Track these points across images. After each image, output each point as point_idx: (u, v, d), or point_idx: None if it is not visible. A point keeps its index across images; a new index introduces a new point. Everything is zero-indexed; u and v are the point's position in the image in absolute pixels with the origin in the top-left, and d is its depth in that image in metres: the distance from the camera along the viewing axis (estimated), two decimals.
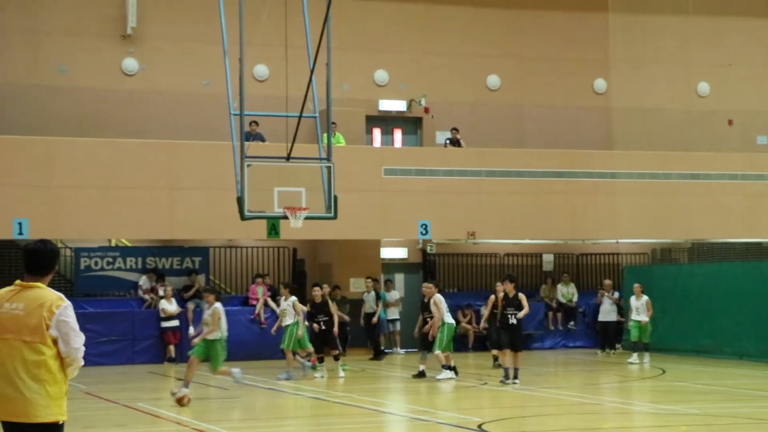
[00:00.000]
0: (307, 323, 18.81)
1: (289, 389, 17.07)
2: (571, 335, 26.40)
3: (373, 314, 23.98)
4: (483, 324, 20.33)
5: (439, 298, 18.17)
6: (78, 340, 6.07)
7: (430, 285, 18.55)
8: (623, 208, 25.41)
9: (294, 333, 18.46)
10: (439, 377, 17.87)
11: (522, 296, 17.34)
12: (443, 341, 18.02)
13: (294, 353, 18.73)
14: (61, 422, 6.06)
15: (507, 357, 17.05)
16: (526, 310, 17.22)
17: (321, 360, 18.71)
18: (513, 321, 17.10)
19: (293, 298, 18.72)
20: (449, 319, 18.11)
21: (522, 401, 15.44)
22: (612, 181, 25.53)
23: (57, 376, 6.00)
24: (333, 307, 18.95)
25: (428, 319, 18.47)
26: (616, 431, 12.55)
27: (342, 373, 18.65)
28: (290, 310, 18.79)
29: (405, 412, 14.32)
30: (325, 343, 18.86)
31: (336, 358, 18.83)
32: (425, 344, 18.62)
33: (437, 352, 17.96)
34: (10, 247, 23.35)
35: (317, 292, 18.90)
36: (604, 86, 28.71)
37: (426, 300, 18.64)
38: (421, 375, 18.26)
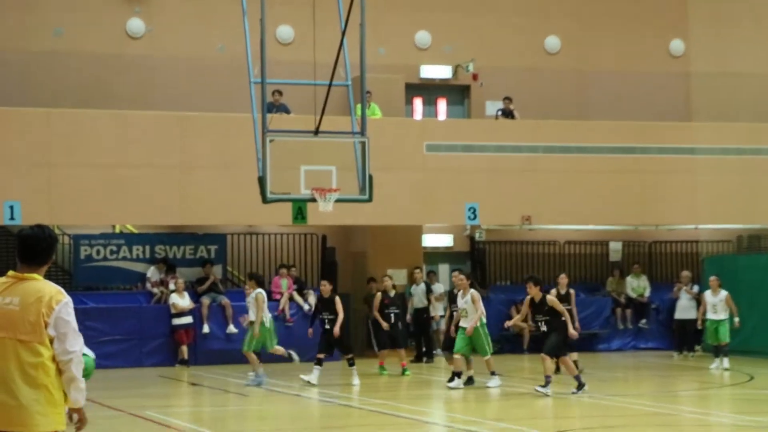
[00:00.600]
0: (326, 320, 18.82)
1: (318, 396, 17.14)
2: (642, 335, 26.28)
3: (424, 310, 23.93)
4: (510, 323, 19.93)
5: (476, 293, 18.02)
6: (76, 343, 6.09)
7: (462, 276, 18.41)
8: (703, 189, 25.19)
9: (251, 333, 18.49)
10: (489, 384, 17.83)
11: (552, 300, 17.03)
12: (489, 343, 17.97)
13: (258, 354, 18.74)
14: None
15: (546, 363, 16.91)
16: (565, 316, 16.94)
17: (319, 362, 18.59)
18: (544, 329, 17.00)
19: (257, 290, 18.69)
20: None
21: (585, 410, 15.39)
22: (690, 158, 25.32)
23: (56, 381, 6.03)
24: (340, 305, 18.85)
25: (454, 313, 18.47)
26: None
27: (356, 381, 18.55)
28: (253, 305, 19.04)
29: (450, 422, 14.32)
30: (330, 344, 18.75)
31: (350, 363, 18.77)
32: (449, 343, 18.50)
33: (488, 357, 17.96)
34: (1, 235, 23.61)
35: (325, 287, 18.88)
36: (682, 48, 28.44)
37: (456, 291, 18.62)
38: (455, 378, 18.00)
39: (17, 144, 21.89)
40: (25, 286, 6.08)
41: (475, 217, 24.19)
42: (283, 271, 24.03)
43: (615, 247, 27.38)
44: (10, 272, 6.20)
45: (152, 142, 22.58)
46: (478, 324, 17.95)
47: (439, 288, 25.34)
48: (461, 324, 18.02)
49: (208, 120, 23.18)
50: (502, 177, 24.39)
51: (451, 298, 19.12)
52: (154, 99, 25.00)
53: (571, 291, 19.85)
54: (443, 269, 26.49)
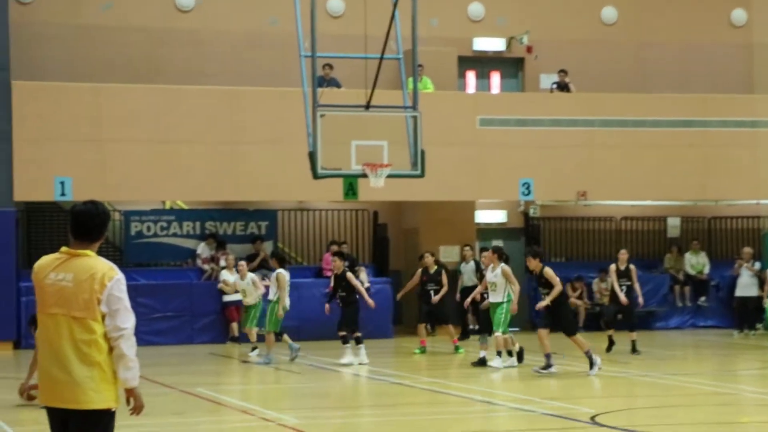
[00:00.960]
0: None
1: (368, 374, 17.19)
2: (701, 313, 26.08)
3: (472, 288, 23.89)
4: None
5: (507, 268, 17.55)
6: (128, 320, 6.13)
7: (486, 253, 18.06)
8: (766, 163, 24.87)
9: (274, 312, 18.54)
10: (491, 364, 17.35)
11: (549, 272, 16.77)
12: (506, 321, 17.47)
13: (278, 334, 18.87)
14: (113, 410, 6.15)
15: (544, 341, 16.62)
16: (557, 289, 16.70)
17: (344, 340, 18.50)
18: (547, 303, 16.74)
19: (278, 270, 18.70)
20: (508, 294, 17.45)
21: (642, 390, 15.31)
22: (752, 131, 25.01)
23: (109, 359, 6.08)
24: (356, 282, 18.71)
25: (485, 296, 18.13)
26: (757, 426, 12.36)
27: (365, 360, 18.23)
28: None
29: (504, 401, 14.31)
30: (344, 323, 18.52)
31: (358, 341, 18.59)
32: (485, 325, 18.23)
33: (498, 333, 17.39)
34: (52, 211, 23.88)
35: (336, 263, 18.66)
36: (744, 18, 28.03)
37: (484, 269, 18.46)
38: (482, 363, 17.82)
39: (67, 120, 22.10)
40: (78, 262, 6.11)
41: (529, 193, 24.08)
42: (334, 247, 24.05)
43: (673, 223, 27.15)
44: (63, 248, 6.23)
45: (203, 117, 22.68)
46: (503, 300, 17.39)
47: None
48: (490, 299, 17.53)
49: (258, 95, 23.24)
50: (557, 152, 24.24)
51: (481, 276, 18.98)
52: (205, 73, 25.10)
53: (632, 267, 19.82)
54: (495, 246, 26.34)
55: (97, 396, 6.01)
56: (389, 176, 17.16)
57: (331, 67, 23.73)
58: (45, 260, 6.24)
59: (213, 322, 23.13)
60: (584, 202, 25.05)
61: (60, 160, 21.90)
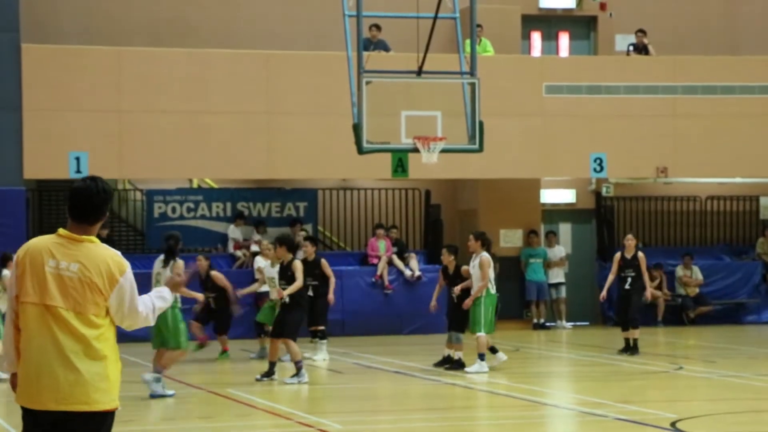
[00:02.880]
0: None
1: (419, 373, 17.21)
2: None
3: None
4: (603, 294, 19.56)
5: (486, 257, 16.82)
6: (141, 304, 6.22)
7: (472, 236, 17.42)
8: None
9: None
10: (469, 370, 16.72)
11: (467, 269, 16.80)
12: (486, 319, 16.83)
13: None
14: (116, 410, 6.20)
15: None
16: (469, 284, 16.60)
17: (319, 335, 18.70)
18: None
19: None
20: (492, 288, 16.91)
21: (729, 393, 15.20)
22: None
23: (115, 354, 6.15)
24: (329, 269, 18.77)
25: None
26: None
27: (322, 357, 18.26)
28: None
29: (573, 404, 14.27)
30: (315, 314, 18.60)
31: (321, 336, 18.68)
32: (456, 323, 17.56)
33: (479, 334, 16.76)
34: (67, 190, 24.05)
35: (308, 248, 18.77)
36: None
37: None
38: (446, 362, 17.28)
39: (84, 88, 22.24)
40: (83, 250, 6.12)
41: (601, 170, 23.94)
42: (381, 231, 24.09)
43: (767, 203, 26.90)
44: (62, 230, 6.23)
45: (235, 84, 22.75)
46: (482, 294, 16.81)
47: (559, 251, 25.18)
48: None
49: (297, 59, 23.26)
50: (633, 123, 24.07)
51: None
52: (237, 36, 25.16)
53: (641, 255, 19.25)
54: (564, 229, 26.29)
55: (106, 396, 6.07)
56: (443, 151, 17.12)
57: (378, 28, 23.69)
58: (39, 243, 6.21)
59: (245, 316, 23.18)
60: (665, 179, 24.86)
61: (75, 133, 22.06)
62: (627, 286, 19.12)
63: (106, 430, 6.13)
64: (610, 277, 19.40)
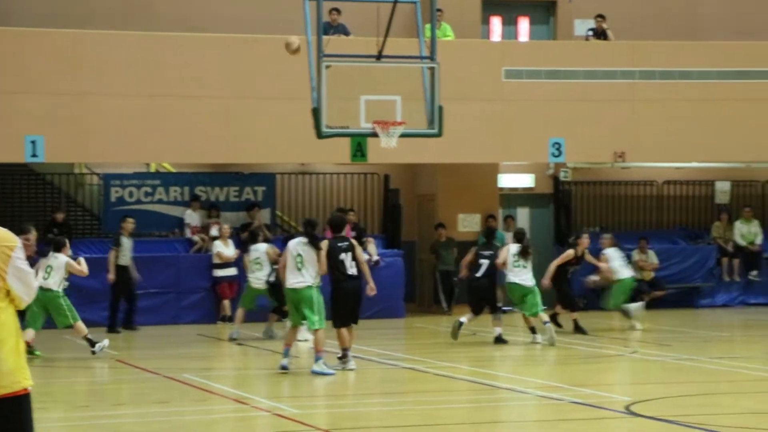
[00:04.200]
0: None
1: (377, 357, 17.26)
2: (752, 289, 26.08)
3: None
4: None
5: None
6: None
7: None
8: None
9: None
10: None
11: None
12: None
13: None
14: (30, 389, 6.09)
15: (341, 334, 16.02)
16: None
17: (282, 314, 18.94)
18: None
19: (264, 245, 19.93)
20: None
21: (683, 375, 15.33)
22: None
23: (19, 335, 6.02)
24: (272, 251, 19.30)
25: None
26: None
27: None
28: (265, 257, 19.76)
29: (529, 387, 14.35)
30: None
31: (282, 315, 18.95)
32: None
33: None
34: (22, 174, 23.93)
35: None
36: None
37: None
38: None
39: (40, 70, 22.07)
40: None
41: (560, 154, 24.03)
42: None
43: (722, 188, 27.08)
44: None
45: (193, 68, 22.65)
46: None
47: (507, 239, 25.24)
48: None
49: (256, 43, 23.18)
50: (592, 107, 24.16)
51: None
52: (196, 19, 25.04)
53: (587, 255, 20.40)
54: (522, 214, 26.39)
55: (22, 373, 5.92)
56: (402, 135, 17.14)
57: (338, 11, 23.64)
58: None
59: (202, 300, 23.17)
60: (622, 164, 24.98)
61: (31, 116, 21.89)
62: (569, 276, 20.33)
63: (16, 417, 6.06)
64: (552, 267, 19.93)
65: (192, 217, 23.89)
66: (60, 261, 17.27)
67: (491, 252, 19.25)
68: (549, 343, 18.31)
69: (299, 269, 15.35)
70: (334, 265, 15.43)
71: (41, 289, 16.33)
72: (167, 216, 24.14)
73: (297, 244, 15.44)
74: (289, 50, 17.23)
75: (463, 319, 18.71)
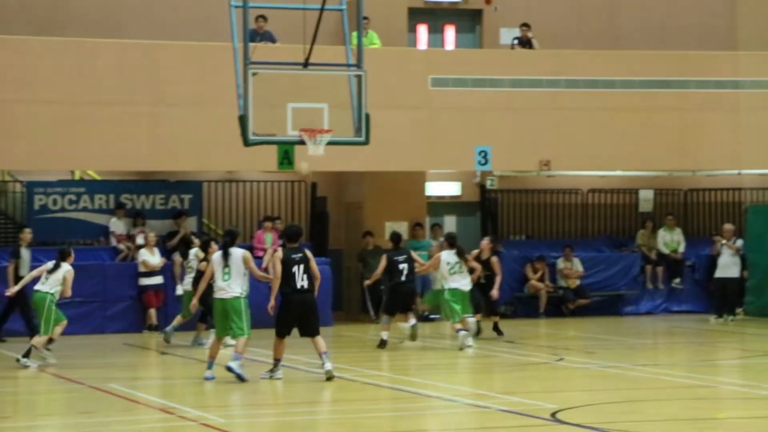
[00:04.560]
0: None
1: (304, 366, 17.23)
2: (675, 296, 26.35)
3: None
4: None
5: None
6: None
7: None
8: (749, 129, 25.12)
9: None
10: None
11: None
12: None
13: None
14: None
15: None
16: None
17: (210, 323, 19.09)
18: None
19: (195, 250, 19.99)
20: None
21: (608, 383, 15.46)
22: (734, 93, 25.24)
23: None
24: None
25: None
26: (735, 422, 12.54)
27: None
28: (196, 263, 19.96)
29: (456, 395, 14.40)
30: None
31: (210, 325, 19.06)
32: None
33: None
34: None
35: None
36: None
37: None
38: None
39: None
40: None
41: (486, 162, 24.15)
42: (268, 224, 24.03)
43: (646, 196, 27.36)
44: None
45: (118, 75, 22.50)
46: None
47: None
48: None
49: (181, 50, 23.09)
50: (517, 116, 24.31)
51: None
52: (121, 25, 24.89)
53: (494, 259, 20.74)
54: (449, 222, 26.50)
55: None
56: (329, 143, 17.13)
57: (264, 18, 23.60)
58: None
59: (128, 309, 23.00)
60: (547, 172, 25.16)
61: None
62: (482, 281, 20.40)
63: None
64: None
65: (117, 225, 23.72)
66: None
67: (405, 256, 19.50)
68: (460, 348, 18.66)
69: (226, 280, 15.41)
70: (285, 277, 15.40)
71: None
72: (92, 224, 23.93)
73: (220, 256, 15.59)
74: (301, 173, 17.65)
75: (406, 323, 19.12)
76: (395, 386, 15.38)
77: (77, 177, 24.70)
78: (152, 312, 22.70)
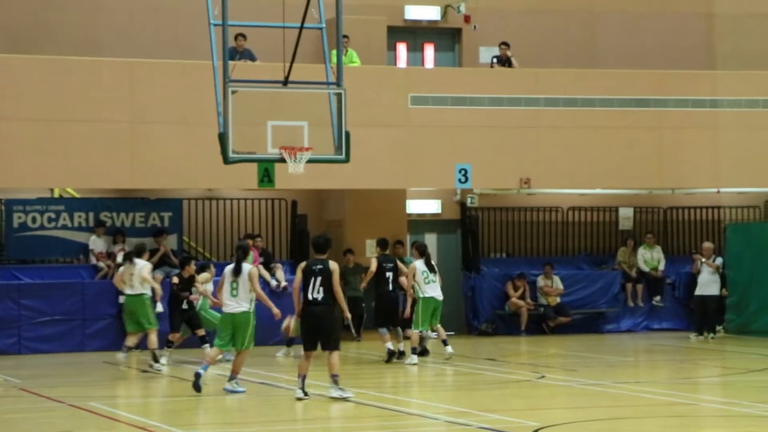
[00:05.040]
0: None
1: (285, 384, 17.20)
2: (656, 314, 26.43)
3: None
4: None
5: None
6: None
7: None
8: (727, 147, 25.25)
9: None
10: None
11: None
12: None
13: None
14: None
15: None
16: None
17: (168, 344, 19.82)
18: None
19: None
20: None
21: (589, 400, 15.48)
22: (713, 111, 25.38)
23: None
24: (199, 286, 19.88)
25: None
26: None
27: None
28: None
29: (437, 413, 14.40)
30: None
31: (168, 345, 19.87)
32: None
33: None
34: None
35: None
36: None
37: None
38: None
39: None
40: None
41: (466, 180, 24.20)
42: (248, 242, 23.97)
43: (625, 214, 27.45)
44: None
45: (97, 93, 22.47)
46: None
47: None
48: None
49: (161, 68, 23.09)
50: (497, 134, 24.38)
51: None
52: (99, 43, 24.87)
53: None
54: (430, 239, 26.51)
55: None
56: (310, 161, 17.15)
57: (244, 37, 23.63)
58: None
59: (108, 327, 22.93)
60: (528, 190, 25.22)
61: None
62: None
63: None
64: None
65: (97, 243, 23.66)
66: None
67: (392, 264, 19.69)
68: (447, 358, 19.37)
69: (234, 295, 15.86)
70: (303, 288, 15.46)
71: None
72: (72, 242, 23.87)
73: (230, 271, 15.98)
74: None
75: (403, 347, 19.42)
76: (376, 404, 15.37)
77: (56, 195, 24.63)
78: None
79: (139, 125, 22.63)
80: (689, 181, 25.90)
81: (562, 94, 24.81)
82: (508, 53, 25.68)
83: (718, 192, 27.28)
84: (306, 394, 15.25)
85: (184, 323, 19.94)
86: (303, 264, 15.64)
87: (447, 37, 27.62)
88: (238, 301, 15.87)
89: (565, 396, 16.09)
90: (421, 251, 20.00)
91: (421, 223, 26.62)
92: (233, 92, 16.59)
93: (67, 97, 22.31)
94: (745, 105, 25.56)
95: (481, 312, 25.34)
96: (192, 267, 20.16)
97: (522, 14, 27.43)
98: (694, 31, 28.18)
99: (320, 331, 15.43)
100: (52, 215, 23.81)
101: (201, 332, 19.92)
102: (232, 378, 15.95)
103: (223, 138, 16.64)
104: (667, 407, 14.80)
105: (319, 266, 15.43)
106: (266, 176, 22.18)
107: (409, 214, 26.22)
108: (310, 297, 15.32)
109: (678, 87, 25.41)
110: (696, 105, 25.39)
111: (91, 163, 22.33)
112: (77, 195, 24.70)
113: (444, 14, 27.23)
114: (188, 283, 19.89)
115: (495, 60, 25.80)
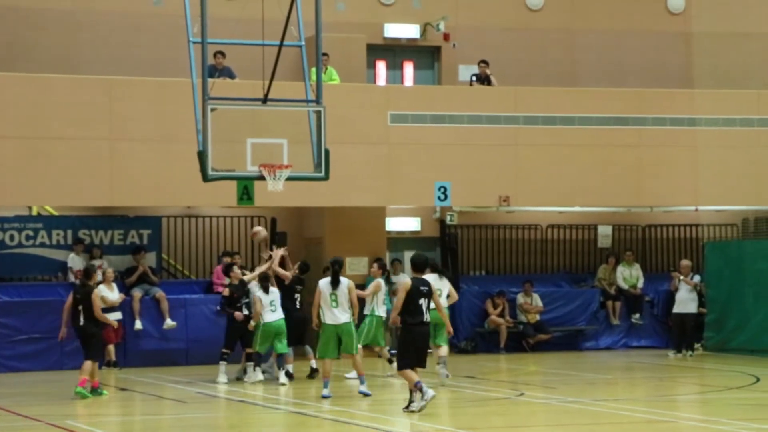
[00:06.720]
0: None
1: (263, 402, 17.17)
2: (635, 331, 26.47)
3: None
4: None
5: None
6: None
7: None
8: (705, 165, 25.36)
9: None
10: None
11: None
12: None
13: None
14: None
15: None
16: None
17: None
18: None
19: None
20: None
21: (568, 417, 15.49)
22: (691, 130, 25.48)
23: None
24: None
25: None
26: None
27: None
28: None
29: (417, 431, 14.38)
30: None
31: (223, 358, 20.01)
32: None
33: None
34: None
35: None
36: (682, 4, 28.56)
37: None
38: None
39: None
40: None
41: (445, 198, 24.23)
42: (227, 259, 23.94)
43: (604, 232, 27.52)
44: None
45: (75, 110, 22.43)
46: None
47: (404, 278, 25.28)
48: None
49: (140, 85, 23.05)
50: (477, 152, 24.42)
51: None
52: (78, 61, 24.84)
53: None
54: (409, 257, 26.44)
55: None
56: (289, 179, 17.15)
57: (223, 54, 23.65)
58: None
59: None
60: (507, 208, 25.26)
61: None
62: None
63: None
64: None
65: (75, 260, 23.58)
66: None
67: (427, 288, 19.46)
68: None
69: (334, 306, 17.37)
70: (411, 307, 15.55)
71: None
72: (50, 260, 23.80)
73: (327, 284, 17.58)
74: (256, 238, 20.34)
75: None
76: (355, 422, 15.34)
77: (35, 212, 24.57)
78: (111, 348, 22.53)
79: (118, 143, 22.59)
80: (668, 199, 25.99)
81: (541, 112, 24.87)
82: (488, 71, 25.76)
83: (697, 210, 27.39)
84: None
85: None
86: (407, 285, 15.72)
87: (426, 55, 27.69)
88: (341, 312, 17.51)
89: (545, 413, 16.10)
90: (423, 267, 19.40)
91: (401, 241, 26.63)
92: (212, 110, 16.60)
93: (47, 114, 22.26)
94: (723, 123, 25.67)
95: (461, 330, 25.32)
96: (237, 272, 20.25)
97: (501, 32, 27.53)
98: (673, 50, 28.33)
99: (426, 349, 15.89)
100: (30, 233, 23.74)
101: (249, 350, 19.87)
102: (362, 382, 17.48)
103: (202, 156, 16.63)
104: (646, 425, 14.83)
105: (426, 287, 15.72)
106: (245, 194, 22.17)
107: (389, 232, 26.23)
108: (424, 318, 15.58)
109: (656, 105, 25.51)
110: (674, 123, 25.50)
111: (70, 180, 22.27)
112: (55, 213, 24.64)
113: (423, 32, 27.30)
114: (240, 289, 19.96)
115: (474, 78, 25.86)
